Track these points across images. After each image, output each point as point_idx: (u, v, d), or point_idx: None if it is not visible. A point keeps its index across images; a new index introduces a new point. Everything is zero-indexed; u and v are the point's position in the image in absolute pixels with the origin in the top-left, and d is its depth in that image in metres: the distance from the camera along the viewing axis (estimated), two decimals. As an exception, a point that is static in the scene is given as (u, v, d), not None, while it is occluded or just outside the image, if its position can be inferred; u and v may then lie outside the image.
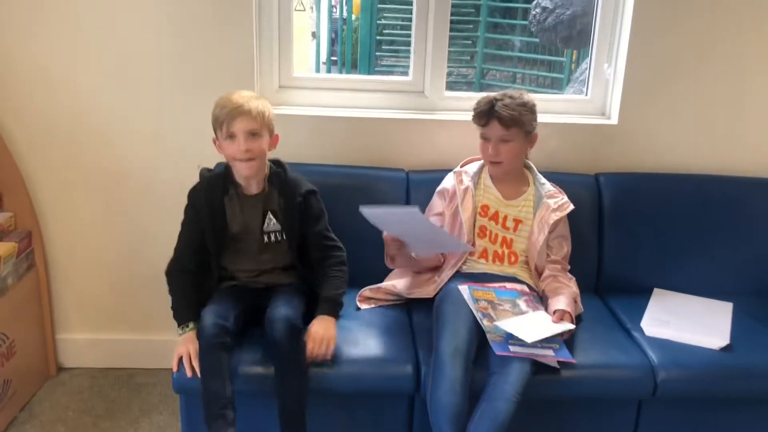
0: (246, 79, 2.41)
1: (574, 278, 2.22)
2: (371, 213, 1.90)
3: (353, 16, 7.24)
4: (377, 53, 7.04)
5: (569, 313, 2.04)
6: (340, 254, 2.09)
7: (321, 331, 1.92)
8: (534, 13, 5.78)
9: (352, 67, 7.12)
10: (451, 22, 2.54)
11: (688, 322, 2.19)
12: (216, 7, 2.35)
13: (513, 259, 2.22)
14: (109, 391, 2.55)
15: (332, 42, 7.54)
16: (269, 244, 2.06)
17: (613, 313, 2.31)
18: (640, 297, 2.35)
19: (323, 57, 7.24)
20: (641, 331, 2.17)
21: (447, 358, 1.86)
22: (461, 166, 2.32)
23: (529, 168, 2.31)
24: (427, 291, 2.19)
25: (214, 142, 2.04)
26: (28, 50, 2.36)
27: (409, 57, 2.62)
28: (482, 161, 2.28)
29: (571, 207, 2.24)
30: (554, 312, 2.04)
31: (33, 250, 2.47)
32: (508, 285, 2.15)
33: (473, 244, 2.20)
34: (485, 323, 1.96)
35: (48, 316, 2.58)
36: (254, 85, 2.43)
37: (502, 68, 7.11)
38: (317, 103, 2.57)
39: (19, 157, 2.44)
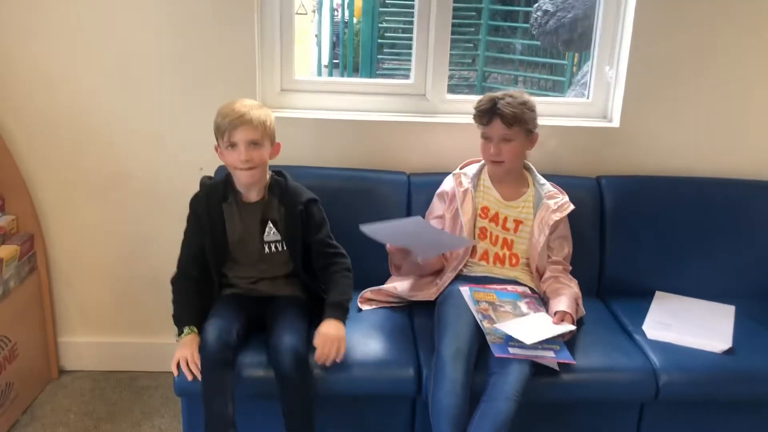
0: (248, 82, 2.42)
1: (575, 279, 2.22)
2: (372, 229, 1.90)
3: (355, 20, 7.25)
4: (379, 56, 7.03)
5: (570, 314, 2.04)
6: (344, 261, 2.08)
7: (332, 332, 1.91)
8: (535, 16, 5.77)
9: (354, 70, 7.14)
10: (453, 25, 2.54)
11: (690, 326, 2.19)
12: (216, 8, 2.36)
13: (514, 261, 2.22)
14: (111, 394, 2.55)
15: (334, 45, 7.55)
16: (269, 254, 2.06)
17: (615, 316, 2.30)
18: (642, 300, 2.34)
19: (325, 60, 7.26)
20: (643, 334, 2.17)
21: (448, 360, 1.86)
22: (460, 168, 2.32)
23: (528, 169, 2.31)
24: (428, 294, 2.19)
25: (216, 150, 2.04)
26: (28, 50, 2.36)
27: (410, 60, 2.62)
28: (481, 163, 2.29)
29: (572, 207, 2.24)
30: (555, 313, 2.04)
31: (35, 253, 2.48)
32: (510, 287, 2.15)
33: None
34: (485, 325, 1.96)
35: (50, 319, 2.58)
36: (256, 87, 2.44)
37: (504, 71, 7.10)
38: (319, 106, 2.57)
39: (19, 158, 2.44)
